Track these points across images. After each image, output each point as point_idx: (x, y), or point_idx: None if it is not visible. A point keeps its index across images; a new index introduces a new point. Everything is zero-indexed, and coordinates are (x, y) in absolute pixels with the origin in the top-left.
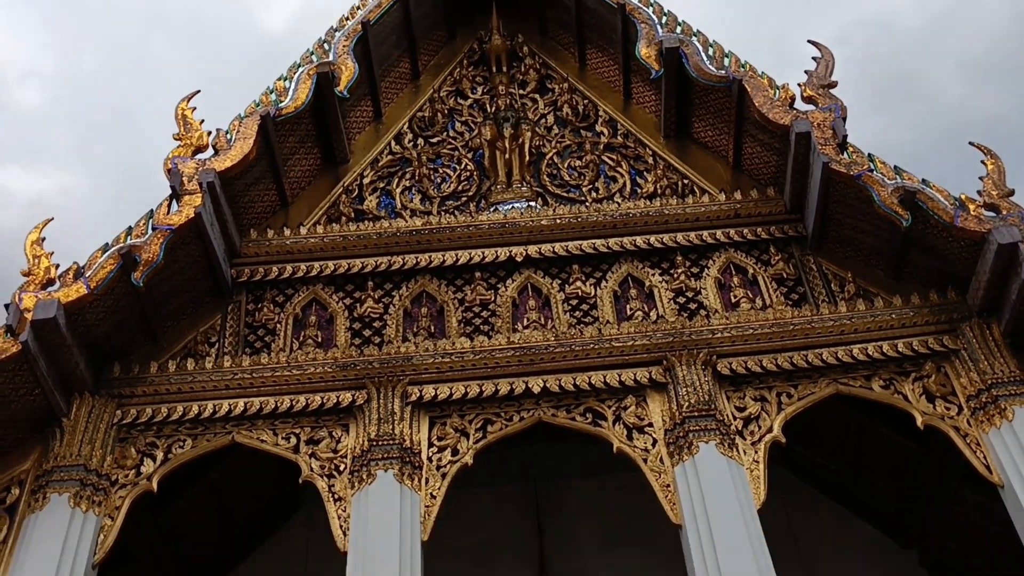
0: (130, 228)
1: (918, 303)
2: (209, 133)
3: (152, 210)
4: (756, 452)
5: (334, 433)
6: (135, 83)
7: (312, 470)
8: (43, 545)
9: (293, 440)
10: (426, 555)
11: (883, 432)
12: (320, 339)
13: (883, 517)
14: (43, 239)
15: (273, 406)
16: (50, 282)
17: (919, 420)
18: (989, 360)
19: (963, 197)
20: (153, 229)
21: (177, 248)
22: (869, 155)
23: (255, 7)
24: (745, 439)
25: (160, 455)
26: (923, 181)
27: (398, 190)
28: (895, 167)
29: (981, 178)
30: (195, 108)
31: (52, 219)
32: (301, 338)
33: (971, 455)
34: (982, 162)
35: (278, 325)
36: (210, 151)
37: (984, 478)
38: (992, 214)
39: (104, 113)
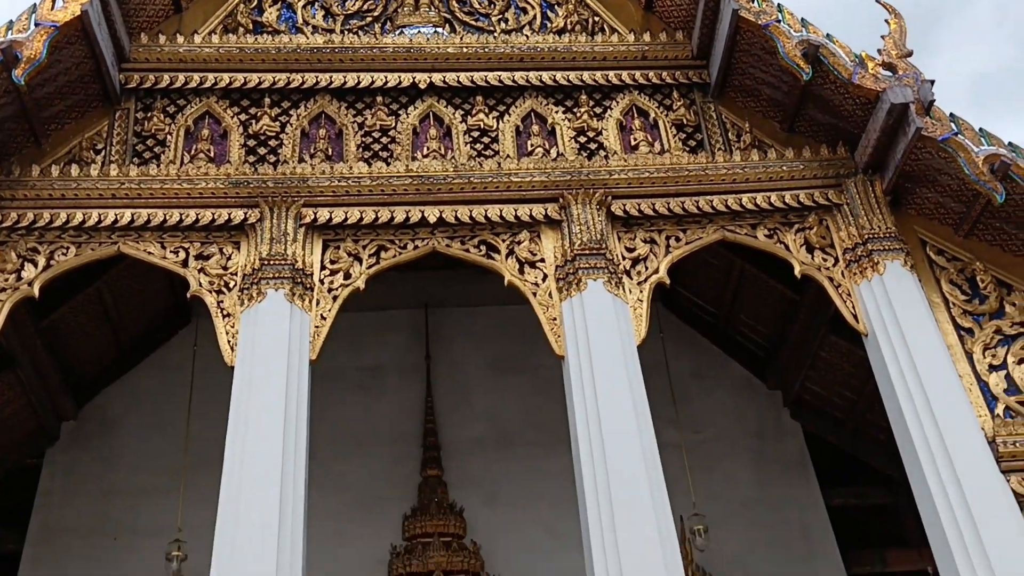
0: (11, 22)
1: (809, 157)
2: None
3: (35, 4)
4: (641, 291)
5: (224, 250)
6: None
7: (201, 285)
8: None
9: (182, 254)
10: (314, 375)
11: (762, 278)
12: (213, 154)
13: (754, 358)
14: None
15: (162, 219)
16: None
17: (797, 269)
18: (868, 216)
19: (863, 55)
20: (36, 25)
21: (62, 47)
22: (778, 5)
23: None
24: (632, 279)
25: (42, 261)
26: (827, 36)
27: (300, 4)
28: (802, 19)
29: (883, 36)
30: None
31: None
32: (193, 151)
33: (841, 304)
34: (886, 20)
35: (168, 136)
36: None
37: (851, 326)
38: (889, 73)
39: None
